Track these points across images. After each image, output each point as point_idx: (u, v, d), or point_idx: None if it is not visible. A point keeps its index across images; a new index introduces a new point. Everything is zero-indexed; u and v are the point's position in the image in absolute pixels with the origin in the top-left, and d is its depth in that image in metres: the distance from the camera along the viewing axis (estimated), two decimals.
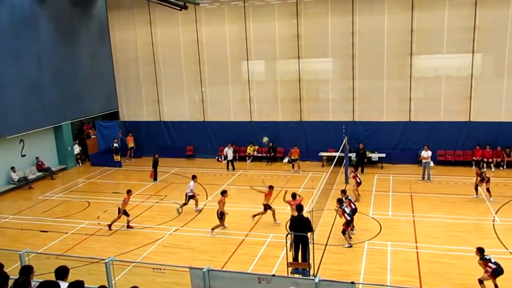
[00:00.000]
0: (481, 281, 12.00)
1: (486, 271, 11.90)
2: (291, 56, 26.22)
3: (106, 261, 9.54)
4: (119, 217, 17.53)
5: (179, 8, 24.00)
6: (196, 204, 19.25)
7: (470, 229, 16.28)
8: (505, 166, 23.48)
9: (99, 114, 30.06)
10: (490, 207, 18.21)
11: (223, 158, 26.92)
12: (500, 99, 23.64)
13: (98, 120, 29.65)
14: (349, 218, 15.31)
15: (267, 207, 17.31)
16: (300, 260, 12.59)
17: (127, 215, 17.61)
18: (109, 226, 17.55)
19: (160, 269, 10.48)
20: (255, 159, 27.55)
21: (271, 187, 17.52)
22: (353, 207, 16.17)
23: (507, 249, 14.54)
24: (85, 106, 28.45)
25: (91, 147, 29.35)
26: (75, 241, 16.66)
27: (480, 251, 12.18)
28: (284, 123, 27.10)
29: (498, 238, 15.37)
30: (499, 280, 11.69)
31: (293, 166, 24.66)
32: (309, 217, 13.10)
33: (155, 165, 23.93)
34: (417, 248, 14.91)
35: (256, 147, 27.57)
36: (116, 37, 29.35)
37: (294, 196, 16.25)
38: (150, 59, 28.77)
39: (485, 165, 23.52)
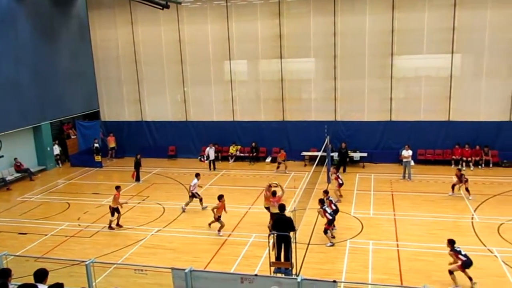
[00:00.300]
0: (451, 272, 12.43)
1: (456, 262, 12.37)
2: (273, 56, 26.27)
3: (86, 263, 9.43)
4: (119, 216, 17.47)
5: (161, 7, 23.84)
6: (201, 204, 19.23)
7: (449, 227, 16.52)
8: (483, 165, 23.89)
9: (79, 114, 29.67)
10: (469, 205, 18.50)
11: (205, 158, 26.81)
12: (479, 99, 24.05)
13: (78, 120, 29.27)
14: (330, 218, 15.41)
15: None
16: (282, 260, 12.62)
17: (113, 214, 17.40)
18: (109, 226, 17.43)
19: (142, 270, 10.38)
20: (237, 159, 27.52)
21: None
22: (334, 208, 16.27)
23: (485, 246, 14.79)
24: (65, 106, 28.04)
25: (71, 147, 28.95)
26: (55, 243, 16.41)
27: (451, 242, 12.66)
28: (267, 123, 27.13)
29: (477, 236, 15.63)
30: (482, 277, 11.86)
31: (278, 167, 24.57)
32: (292, 217, 13.13)
33: (137, 165, 23.71)
34: (398, 246, 15.07)
35: (239, 147, 27.56)
36: (97, 36, 29.01)
37: (274, 193, 16.34)
38: (132, 58, 28.52)
39: (464, 163, 23.90)
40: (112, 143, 28.83)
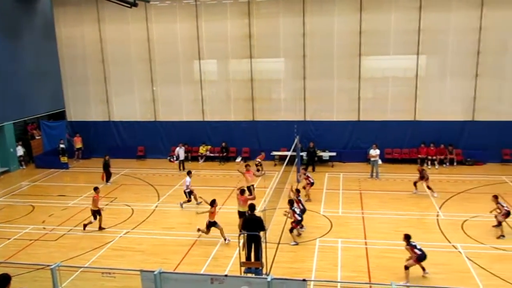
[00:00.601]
0: (407, 267, 12.83)
1: (412, 257, 12.83)
2: (243, 56, 26.26)
3: (52, 267, 9.20)
4: (99, 218, 17.12)
5: (128, 6, 23.46)
6: (196, 199, 19.28)
7: (415, 224, 16.88)
8: (448, 163, 24.52)
9: (44, 114, 28.93)
10: (434, 202, 18.96)
11: (175, 159, 26.58)
12: (443, 99, 24.70)
13: (43, 120, 28.51)
14: (299, 218, 15.51)
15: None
16: (253, 260, 12.62)
17: (95, 217, 17.04)
18: (100, 227, 17.12)
19: (109, 273, 10.20)
20: (207, 159, 27.39)
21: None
22: (302, 207, 16.42)
23: (450, 242, 15.19)
24: (29, 105, 27.26)
25: (35, 148, 28.18)
26: (18, 247, 15.93)
27: (407, 237, 13.12)
28: (237, 123, 27.11)
29: (442, 232, 16.03)
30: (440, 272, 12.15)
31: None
32: (262, 216, 13.16)
33: (105, 166, 23.26)
34: (366, 244, 15.30)
35: (209, 147, 27.44)
36: (62, 34, 28.31)
37: (243, 192, 16.39)
38: (99, 57, 27.98)
39: (429, 162, 24.48)
40: (78, 144, 28.22)
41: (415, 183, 20.07)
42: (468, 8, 23.42)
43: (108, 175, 23.29)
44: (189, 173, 19.68)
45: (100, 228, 17.13)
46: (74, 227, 17.49)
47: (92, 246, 15.74)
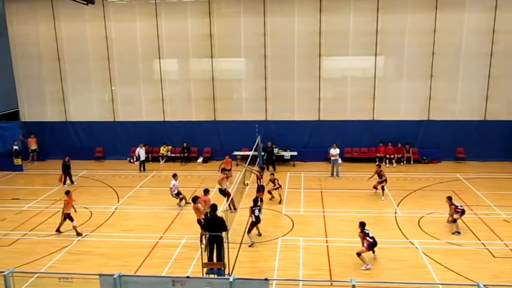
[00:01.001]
0: (359, 254, 13.58)
1: (364, 244, 13.81)
2: (204, 55, 26.11)
3: (5, 273, 8.89)
4: (63, 221, 16.57)
5: (85, 3, 22.86)
6: (185, 200, 19.24)
7: (374, 221, 17.24)
8: (405, 162, 25.20)
9: None
10: (392, 200, 19.46)
11: (135, 159, 26.16)
12: (400, 99, 25.38)
13: None
14: (254, 220, 15.49)
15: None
16: (215, 260, 12.57)
17: (72, 220, 16.45)
18: (58, 230, 16.64)
19: (67, 278, 9.91)
20: (168, 159, 27.09)
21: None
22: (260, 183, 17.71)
23: (407, 238, 15.62)
24: None
25: None
26: None
27: (362, 225, 14.12)
28: (198, 123, 26.94)
29: (400, 229, 16.47)
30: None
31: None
32: (224, 217, 13.12)
33: (65, 168, 22.65)
34: (327, 242, 15.53)
35: (170, 147, 27.13)
36: (15, 30, 27.28)
37: (206, 191, 16.29)
38: (54, 55, 27.14)
39: (387, 161, 25.09)
40: (33, 145, 27.31)
41: (375, 187, 20.21)
42: (423, 11, 24.16)
43: (69, 176, 22.78)
44: (174, 175, 19.42)
45: (58, 231, 16.63)
46: (29, 231, 16.91)
47: (48, 251, 15.25)
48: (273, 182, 19.53)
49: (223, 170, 19.70)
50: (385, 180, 19.83)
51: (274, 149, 25.25)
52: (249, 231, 15.49)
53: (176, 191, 19.12)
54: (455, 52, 24.39)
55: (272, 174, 20.58)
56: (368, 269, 13.46)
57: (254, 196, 16.97)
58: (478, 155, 25.17)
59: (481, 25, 23.93)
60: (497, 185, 21.37)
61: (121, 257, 14.77)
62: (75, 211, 16.89)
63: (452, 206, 16.23)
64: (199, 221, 15.36)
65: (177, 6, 25.83)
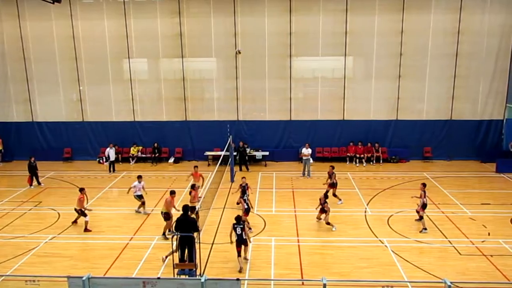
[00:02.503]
0: (328, 223, 14.89)
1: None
2: (174, 55, 25.92)
3: None
4: (79, 216, 16.96)
5: (51, 1, 22.38)
6: (143, 207, 18.45)
7: (345, 220, 17.46)
8: (374, 161, 25.63)
9: None
10: (362, 199, 19.74)
11: (104, 160, 25.76)
12: (369, 99, 25.79)
13: None
14: (237, 238, 13.88)
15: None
16: (186, 261, 12.49)
17: (85, 215, 16.67)
18: (85, 229, 16.76)
19: (34, 280, 9.69)
20: (139, 160, 26.79)
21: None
22: (246, 206, 16.42)
23: (376, 237, 15.86)
24: None
25: None
26: None
27: (325, 196, 15.15)
28: (169, 123, 26.72)
29: (369, 228, 16.71)
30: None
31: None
32: (195, 217, 13.05)
33: (31, 169, 22.14)
34: (298, 241, 15.62)
35: (140, 147, 26.82)
36: None
37: (172, 192, 16.35)
38: (19, 54, 26.44)
39: (357, 160, 25.45)
40: None
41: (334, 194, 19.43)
42: (390, 12, 24.63)
43: (35, 177, 22.32)
44: (139, 177, 18.79)
45: (74, 221, 17.23)
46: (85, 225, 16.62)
47: (14, 253, 14.84)
48: (244, 192, 17.44)
49: (193, 186, 17.87)
50: (334, 184, 19.30)
51: (246, 149, 25.28)
52: (238, 254, 13.69)
53: (138, 193, 18.43)
54: (422, 53, 24.98)
55: (244, 178, 18.94)
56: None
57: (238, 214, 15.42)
58: (445, 154, 25.84)
59: (446, 26, 24.57)
60: (463, 183, 21.97)
61: (90, 259, 14.52)
62: (89, 210, 17.30)
63: (422, 192, 16.50)
64: (166, 214, 15.77)
65: (146, 5, 25.54)
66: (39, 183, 22.38)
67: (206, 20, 25.45)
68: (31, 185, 22.07)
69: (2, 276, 12.72)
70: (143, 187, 18.55)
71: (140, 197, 18.44)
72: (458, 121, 25.56)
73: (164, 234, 15.93)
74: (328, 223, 16.32)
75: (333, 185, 19.33)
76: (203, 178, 19.86)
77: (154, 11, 25.51)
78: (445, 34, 24.66)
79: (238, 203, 17.52)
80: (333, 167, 19.83)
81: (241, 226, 13.73)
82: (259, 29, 25.27)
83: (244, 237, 13.70)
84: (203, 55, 26.17)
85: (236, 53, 19.30)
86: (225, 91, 26.36)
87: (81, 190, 17.20)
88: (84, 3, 25.77)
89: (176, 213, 15.38)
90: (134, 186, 18.42)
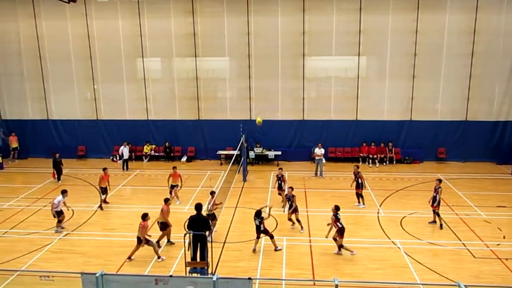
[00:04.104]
0: (341, 246, 14.22)
1: (335, 229, 14.39)
2: (188, 54, 26.01)
3: None
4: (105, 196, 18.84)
5: (66, 1, 22.62)
6: (60, 225, 16.71)
7: (357, 221, 17.39)
8: (387, 162, 25.44)
9: None
10: (375, 200, 19.61)
11: (118, 158, 25.97)
12: (383, 99, 25.60)
13: None
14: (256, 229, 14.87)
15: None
16: (198, 259, 12.53)
17: (104, 193, 18.86)
18: (100, 206, 18.66)
19: (48, 276, 9.81)
20: (152, 158, 26.93)
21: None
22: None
23: (389, 238, 15.76)
24: None
25: None
26: None
27: (336, 208, 14.64)
28: (182, 122, 26.83)
29: (382, 229, 16.60)
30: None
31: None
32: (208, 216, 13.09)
33: (56, 164, 22.63)
34: (310, 241, 15.58)
35: (153, 146, 26.98)
36: None
37: (166, 200, 15.65)
38: (35, 53, 26.77)
39: (370, 161, 25.29)
40: (14, 143, 26.89)
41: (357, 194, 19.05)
42: (405, 12, 24.40)
43: (59, 173, 22.77)
44: (63, 192, 16.95)
45: (104, 202, 18.94)
46: (9, 229, 16.66)
47: (29, 249, 15.05)
48: (280, 185, 18.97)
49: (172, 187, 18.98)
50: (359, 184, 18.70)
51: (258, 148, 25.32)
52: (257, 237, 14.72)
53: (59, 209, 16.52)
54: (437, 53, 24.70)
55: (280, 168, 20.10)
56: (355, 254, 14.17)
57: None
58: (459, 155, 25.54)
59: (462, 26, 24.27)
60: (477, 185, 21.70)
61: (103, 255, 14.64)
62: (109, 188, 19.21)
63: (440, 189, 16.44)
64: (162, 224, 15.13)
65: (159, 5, 25.67)
66: (58, 179, 22.75)
67: (219, 20, 25.50)
68: (56, 179, 22.82)
69: (17, 271, 12.88)
70: (64, 203, 16.84)
71: (59, 213, 16.59)
72: (473, 121, 25.24)
73: (169, 240, 15.42)
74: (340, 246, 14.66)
75: (358, 186, 18.85)
76: (181, 179, 19.64)
77: (168, 10, 25.63)
78: (460, 33, 24.38)
79: (279, 194, 18.99)
80: (357, 167, 19.37)
81: (259, 219, 14.56)
82: (272, 28, 25.24)
83: (262, 229, 14.61)
84: (216, 55, 26.21)
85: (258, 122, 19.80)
86: (238, 91, 26.38)
87: (104, 169, 18.98)
88: (99, 2, 25.98)
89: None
90: (58, 202, 16.56)
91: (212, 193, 15.94)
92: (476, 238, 15.70)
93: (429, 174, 23.38)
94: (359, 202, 18.94)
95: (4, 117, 27.76)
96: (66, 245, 15.46)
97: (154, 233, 15.37)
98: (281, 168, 19.99)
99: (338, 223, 14.30)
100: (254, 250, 14.69)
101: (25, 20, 26.48)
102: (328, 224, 14.68)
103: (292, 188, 16.94)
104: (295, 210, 16.45)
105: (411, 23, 24.40)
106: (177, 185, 19.59)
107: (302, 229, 16.34)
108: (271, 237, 14.77)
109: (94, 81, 26.88)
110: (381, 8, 24.53)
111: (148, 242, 14.26)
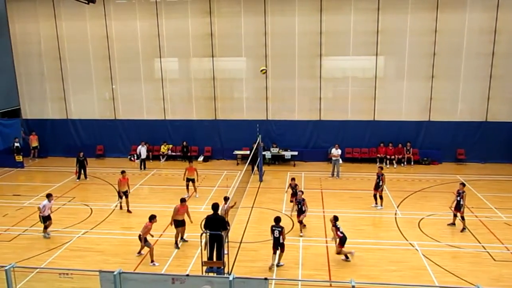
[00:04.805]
0: (338, 253, 14.08)
1: (335, 239, 14.09)
2: (205, 54, 26.11)
3: (6, 268, 8.92)
4: (126, 201, 18.57)
5: (86, 2, 22.89)
6: (45, 231, 16.21)
7: (374, 222, 17.26)
8: (405, 163, 25.18)
9: None
10: (393, 201, 19.43)
11: (135, 157, 26.20)
12: (401, 99, 25.35)
13: None
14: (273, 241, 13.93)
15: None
16: (215, 259, 12.58)
17: (120, 197, 18.47)
18: (122, 208, 18.77)
19: (67, 274, 9.95)
20: (169, 158, 27.10)
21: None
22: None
23: (407, 240, 15.60)
24: None
25: None
26: None
27: (335, 218, 14.32)
28: (199, 122, 26.95)
29: (400, 230, 16.44)
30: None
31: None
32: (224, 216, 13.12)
33: (79, 163, 23.01)
34: (326, 242, 15.51)
35: (170, 145, 27.15)
36: (16, 30, 27.30)
37: (183, 200, 15.62)
38: (55, 54, 27.17)
39: (387, 162, 25.07)
40: (34, 142, 27.30)
41: (375, 196, 18.90)
42: (423, 11, 24.13)
43: (83, 171, 23.27)
44: (48, 196, 16.33)
45: (128, 211, 18.55)
46: (29, 227, 16.93)
47: (48, 247, 15.29)
48: (295, 193, 17.30)
49: (188, 180, 19.92)
50: (377, 185, 18.55)
51: (274, 148, 25.33)
52: (274, 252, 13.71)
53: (45, 214, 15.97)
54: (456, 52, 24.35)
55: (293, 179, 18.81)
56: (353, 254, 14.13)
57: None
58: (479, 156, 25.15)
59: (482, 25, 23.89)
60: (498, 187, 21.35)
61: (120, 254, 14.80)
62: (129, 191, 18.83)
63: (464, 194, 16.21)
64: (175, 221, 15.18)
65: (177, 5, 25.83)
66: (85, 177, 23.25)
67: (236, 20, 25.55)
68: (77, 177, 23.14)
69: (37, 268, 13.09)
70: (50, 208, 16.29)
71: (46, 219, 16.05)
72: (493, 122, 24.82)
73: (182, 238, 15.51)
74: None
75: (376, 186, 18.61)
76: (197, 173, 20.26)
77: (185, 11, 25.77)
78: (481, 33, 24.00)
79: (291, 201, 17.58)
80: (381, 168, 19.10)
81: (279, 229, 13.43)
82: (289, 28, 25.18)
83: (281, 241, 13.45)
84: (233, 55, 26.26)
85: (262, 71, 18.70)
86: (255, 91, 26.39)
87: (123, 172, 18.80)
88: (118, 3, 26.25)
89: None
90: (44, 206, 15.92)
91: (226, 198, 15.63)
92: (496, 240, 15.45)
93: (448, 175, 23.08)
94: (376, 204, 18.76)
95: (24, 117, 28.23)
96: (84, 243, 15.67)
97: (156, 231, 15.44)
98: (293, 179, 18.87)
99: (339, 233, 14.03)
100: (271, 267, 13.50)
101: (45, 21, 26.90)
102: (332, 238, 14.35)
103: (302, 192, 16.65)
104: (303, 213, 16.17)
105: (430, 23, 24.11)
106: (193, 179, 19.89)
107: (301, 233, 16.04)
108: (283, 249, 13.70)
109: (112, 81, 27.17)
110: (399, 7, 24.30)
111: (145, 241, 14.29)
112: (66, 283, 10.68)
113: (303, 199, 16.29)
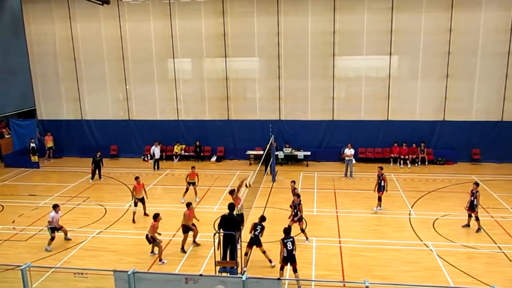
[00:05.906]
0: (264, 251, 13.64)
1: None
2: (218, 55, 26.18)
3: (22, 267, 9.01)
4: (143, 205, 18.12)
5: (100, 3, 23.12)
6: (50, 243, 15.40)
7: (388, 222, 17.14)
8: (419, 163, 24.96)
9: (13, 112, 28.18)
10: (407, 201, 19.29)
11: (149, 158, 26.36)
12: (415, 99, 25.14)
13: (12, 118, 27.79)
14: (285, 255, 12.75)
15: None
16: (228, 259, 12.60)
17: (136, 205, 17.81)
18: (145, 214, 18.19)
19: (82, 273, 10.03)
20: (182, 158, 27.22)
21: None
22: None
23: (421, 240, 15.47)
24: None
25: (5, 147, 27.47)
26: None
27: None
28: (212, 122, 27.03)
29: (414, 231, 16.31)
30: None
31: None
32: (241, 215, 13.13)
33: (94, 163, 23.16)
34: (340, 242, 15.46)
35: (183, 146, 27.26)
36: (32, 31, 27.69)
37: (189, 205, 15.53)
38: (70, 54, 27.47)
39: (401, 161, 24.87)
40: (49, 143, 27.63)
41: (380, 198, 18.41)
42: (438, 10, 23.90)
43: (98, 171, 23.37)
44: (55, 206, 15.69)
45: (145, 214, 18.08)
46: (45, 227, 17.07)
47: (63, 246, 15.45)
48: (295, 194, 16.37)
49: (189, 183, 19.71)
50: (380, 187, 18.15)
51: (287, 148, 25.28)
52: (281, 268, 12.75)
53: (54, 225, 15.39)
54: (472, 52, 24.08)
55: (293, 181, 17.93)
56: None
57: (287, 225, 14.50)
58: (494, 156, 24.84)
59: (498, 24, 23.59)
60: None
61: (134, 254, 14.90)
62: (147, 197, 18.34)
63: (478, 193, 16.01)
64: (184, 227, 15.01)
65: (190, 6, 25.94)
66: (100, 177, 23.36)
67: (249, 20, 25.57)
68: (92, 178, 23.25)
69: (52, 268, 13.23)
70: (58, 219, 15.72)
71: (54, 230, 15.40)
72: (509, 122, 24.49)
73: (195, 242, 15.37)
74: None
75: (379, 188, 18.21)
76: (198, 178, 20.00)
77: (198, 11, 25.87)
78: (496, 32, 23.70)
79: (291, 206, 16.17)
80: (381, 168, 18.65)
81: (291, 239, 12.57)
82: (302, 28, 25.13)
83: (294, 253, 12.52)
84: (246, 55, 26.28)
85: (246, 186, 18.03)
86: (267, 91, 26.38)
87: (136, 178, 18.18)
88: (131, 4, 26.45)
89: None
90: (52, 218, 15.41)
91: (232, 192, 15.78)
92: None
93: (462, 175, 22.84)
94: (379, 206, 18.34)
95: (40, 117, 28.60)
96: (99, 243, 15.80)
97: (170, 232, 15.51)
98: (293, 181, 17.97)
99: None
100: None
101: (60, 22, 27.20)
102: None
103: (299, 196, 15.90)
104: (300, 220, 15.50)
105: (445, 22, 23.87)
106: (194, 182, 19.87)
107: (307, 240, 15.43)
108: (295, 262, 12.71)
109: (126, 81, 27.38)
110: (413, 6, 24.10)
111: (154, 241, 14.36)
112: (81, 283, 10.78)
113: (300, 203, 15.58)
